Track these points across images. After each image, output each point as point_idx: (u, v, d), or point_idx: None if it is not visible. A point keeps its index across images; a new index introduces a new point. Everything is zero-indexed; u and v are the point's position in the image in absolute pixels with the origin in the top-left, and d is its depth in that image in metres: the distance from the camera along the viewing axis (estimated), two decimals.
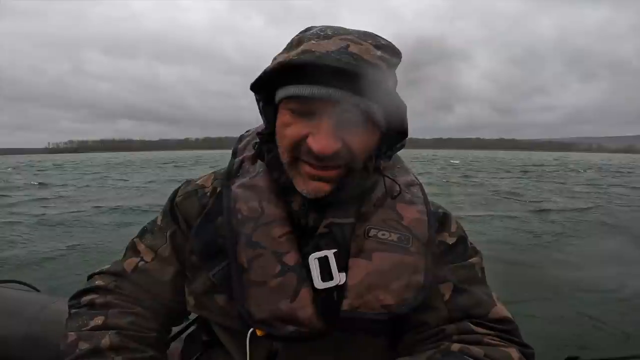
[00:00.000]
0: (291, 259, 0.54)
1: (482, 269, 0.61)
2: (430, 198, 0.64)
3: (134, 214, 7.72)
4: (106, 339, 0.54)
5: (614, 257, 4.75)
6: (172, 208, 0.66)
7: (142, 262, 0.63)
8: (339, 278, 0.53)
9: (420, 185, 0.65)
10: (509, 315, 0.56)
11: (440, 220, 0.63)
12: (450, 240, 0.61)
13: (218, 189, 0.64)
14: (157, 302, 0.63)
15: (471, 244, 0.64)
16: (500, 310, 0.56)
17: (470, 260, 0.60)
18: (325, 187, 0.54)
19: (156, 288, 0.62)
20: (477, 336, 0.52)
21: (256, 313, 0.53)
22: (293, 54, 0.51)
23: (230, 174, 0.64)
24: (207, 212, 0.61)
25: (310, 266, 0.54)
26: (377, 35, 0.55)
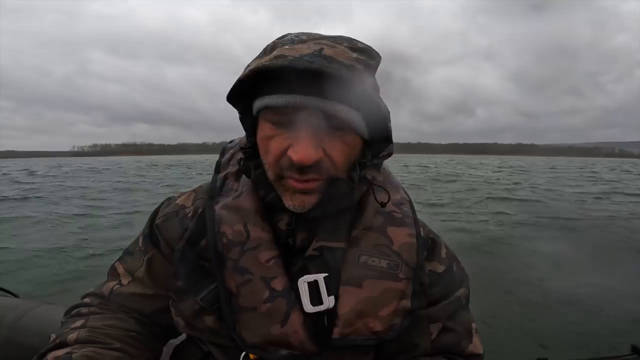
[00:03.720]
0: (279, 283, 0.54)
1: (467, 297, 0.64)
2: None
3: None
4: (74, 334, 0.56)
5: (566, 260, 4.87)
6: (152, 230, 0.65)
7: (117, 286, 0.64)
8: (328, 302, 0.54)
9: (410, 202, 0.66)
10: (480, 350, 0.61)
11: (430, 247, 0.64)
12: (440, 269, 0.62)
13: (200, 209, 0.62)
14: (141, 314, 0.63)
15: (459, 267, 0.66)
16: (474, 347, 0.61)
17: (457, 293, 0.62)
18: (310, 200, 0.54)
19: (135, 304, 0.63)
20: None
21: (248, 338, 0.54)
22: (266, 59, 0.50)
23: (214, 192, 0.62)
24: (190, 236, 0.59)
25: (300, 290, 0.54)
26: (354, 39, 0.54)
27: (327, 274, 0.55)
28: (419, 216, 0.64)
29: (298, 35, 0.53)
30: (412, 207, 0.64)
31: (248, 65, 0.53)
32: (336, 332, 0.54)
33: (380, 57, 0.56)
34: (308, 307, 0.53)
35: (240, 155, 0.64)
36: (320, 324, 0.54)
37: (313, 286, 0.54)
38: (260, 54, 0.54)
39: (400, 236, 0.59)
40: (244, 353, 0.55)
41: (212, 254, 0.56)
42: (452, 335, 0.60)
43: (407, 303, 0.56)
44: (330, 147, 0.51)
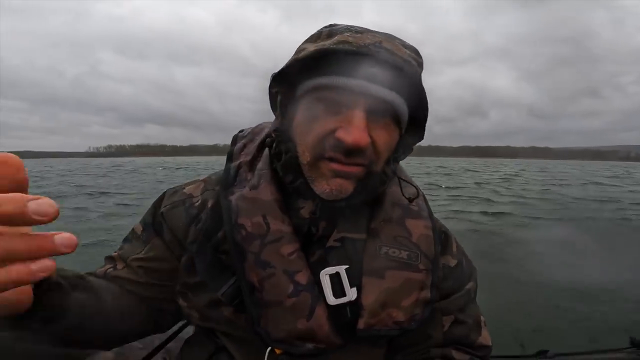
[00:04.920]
0: (303, 277, 0.53)
1: (475, 291, 0.66)
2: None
3: None
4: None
5: (567, 247, 4.85)
6: (156, 218, 0.64)
7: (111, 269, 0.62)
8: (351, 294, 0.53)
9: (423, 196, 0.67)
10: (489, 342, 0.63)
11: (443, 241, 0.65)
12: (452, 263, 0.64)
13: (210, 201, 0.61)
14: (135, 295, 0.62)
15: (468, 261, 0.68)
16: (483, 338, 0.62)
17: (467, 286, 0.64)
18: (348, 186, 0.53)
19: (129, 288, 0.61)
20: None
21: (274, 332, 0.53)
22: (329, 43, 0.49)
23: (227, 182, 0.60)
24: (205, 230, 0.58)
25: (322, 283, 0.54)
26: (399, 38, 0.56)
27: (347, 266, 0.55)
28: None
29: (351, 26, 0.53)
30: (426, 201, 0.66)
31: (302, 48, 0.53)
32: (361, 323, 0.54)
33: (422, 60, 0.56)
34: (331, 299, 0.53)
35: (255, 144, 0.64)
36: (342, 316, 0.54)
37: (334, 277, 0.54)
38: (313, 38, 0.54)
39: (418, 228, 0.60)
40: (269, 348, 0.55)
41: (231, 246, 0.54)
42: (462, 327, 0.61)
43: (426, 294, 0.57)
44: (376, 134, 0.51)
